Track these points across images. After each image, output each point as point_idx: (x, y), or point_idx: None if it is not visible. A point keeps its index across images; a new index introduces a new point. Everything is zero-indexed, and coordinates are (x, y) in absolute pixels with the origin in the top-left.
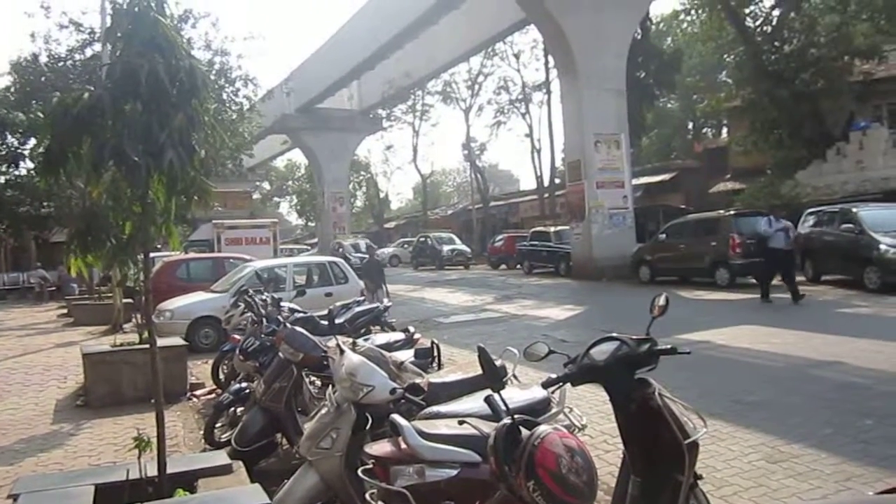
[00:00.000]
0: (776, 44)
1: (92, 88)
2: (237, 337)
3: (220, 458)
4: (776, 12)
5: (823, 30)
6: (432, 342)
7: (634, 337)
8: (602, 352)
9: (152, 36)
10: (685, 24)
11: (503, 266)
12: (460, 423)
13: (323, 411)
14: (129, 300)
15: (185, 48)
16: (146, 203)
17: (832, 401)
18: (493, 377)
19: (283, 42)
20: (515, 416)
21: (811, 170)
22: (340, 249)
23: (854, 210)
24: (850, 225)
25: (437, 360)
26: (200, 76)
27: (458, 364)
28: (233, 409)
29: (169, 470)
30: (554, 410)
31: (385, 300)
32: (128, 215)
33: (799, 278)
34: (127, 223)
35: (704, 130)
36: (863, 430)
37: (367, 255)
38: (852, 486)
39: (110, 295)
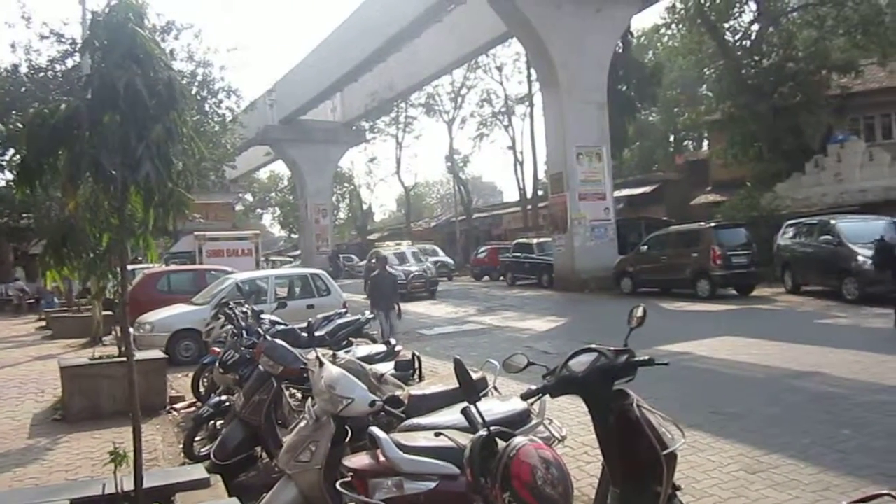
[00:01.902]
0: (755, 58)
1: (69, 100)
2: (217, 349)
3: (198, 472)
4: (755, 27)
5: (801, 45)
6: (413, 354)
7: (613, 348)
8: (581, 363)
9: (130, 48)
10: (666, 38)
11: (486, 278)
12: (437, 435)
13: (302, 424)
14: (109, 312)
15: (163, 60)
16: (123, 215)
17: (811, 411)
18: (468, 389)
19: (267, 54)
20: (491, 428)
21: (790, 182)
22: (374, 261)
23: (832, 222)
24: (829, 237)
25: (418, 371)
26: (179, 88)
27: (440, 376)
28: (212, 422)
29: (146, 484)
30: (534, 422)
31: (397, 323)
32: (105, 227)
33: (777, 289)
34: (104, 235)
35: (685, 143)
36: (840, 440)
37: (376, 268)
38: (830, 495)
39: (90, 307)
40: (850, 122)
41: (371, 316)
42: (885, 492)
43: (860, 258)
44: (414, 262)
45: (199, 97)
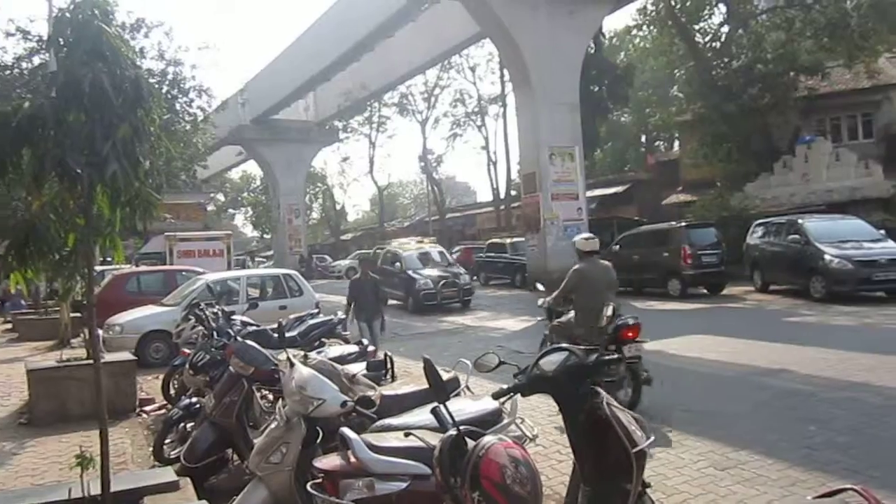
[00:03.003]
0: (725, 59)
1: (33, 98)
2: (188, 351)
3: (167, 474)
4: (725, 29)
5: (770, 47)
6: (385, 354)
7: (583, 347)
8: (551, 362)
9: (96, 45)
10: (637, 40)
11: None
12: (406, 435)
13: (273, 426)
14: (77, 314)
15: (130, 58)
16: (90, 215)
17: (778, 408)
18: (438, 389)
19: (239, 53)
20: (461, 428)
21: (759, 182)
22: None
23: (800, 221)
24: (797, 236)
25: (390, 372)
26: (146, 86)
27: (413, 376)
28: (183, 424)
29: (113, 488)
30: (505, 421)
31: (379, 335)
32: (71, 227)
33: (747, 288)
34: (70, 235)
35: (657, 143)
36: (807, 436)
37: (359, 272)
38: (797, 490)
39: (57, 309)
40: (817, 123)
41: (343, 317)
42: (848, 486)
43: (827, 257)
44: (442, 264)
45: (169, 96)
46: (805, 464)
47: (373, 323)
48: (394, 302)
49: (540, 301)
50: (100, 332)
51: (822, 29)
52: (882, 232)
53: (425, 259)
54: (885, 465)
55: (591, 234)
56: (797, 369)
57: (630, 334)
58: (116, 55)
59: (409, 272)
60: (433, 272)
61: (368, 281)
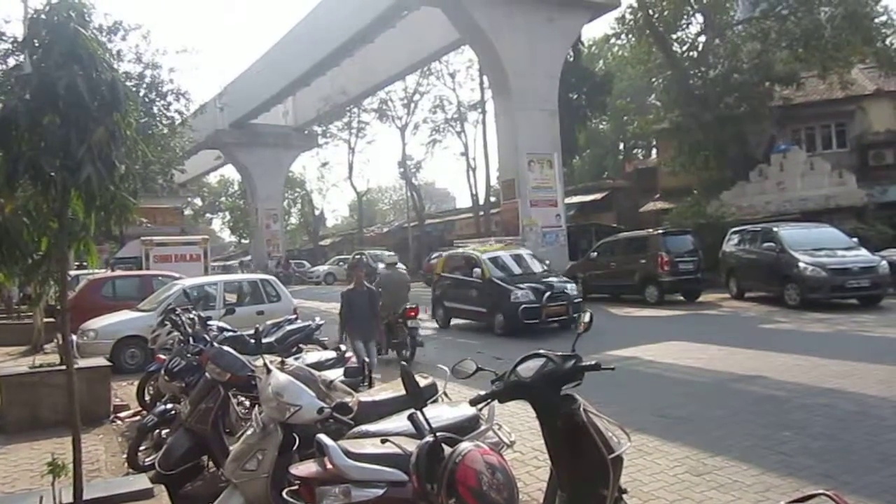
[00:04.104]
0: (702, 69)
1: (5, 100)
2: (163, 357)
3: (141, 482)
4: (702, 39)
5: (746, 56)
6: (363, 360)
7: (560, 353)
8: (528, 368)
9: (72, 47)
10: (616, 48)
11: None
12: (383, 442)
13: (249, 432)
14: (51, 320)
15: (106, 60)
16: (64, 219)
17: (754, 414)
18: (415, 395)
19: (217, 57)
20: (437, 434)
21: (735, 190)
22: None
23: (775, 229)
24: (772, 243)
25: (368, 378)
26: (123, 89)
27: (391, 382)
28: (158, 431)
29: (86, 496)
30: (482, 428)
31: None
32: (44, 231)
33: (723, 295)
34: (43, 239)
35: (635, 151)
36: (782, 441)
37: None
38: (771, 496)
39: (30, 314)
40: (792, 132)
41: (321, 322)
42: (821, 491)
43: (801, 265)
44: (537, 271)
45: (146, 99)
46: (779, 469)
47: (370, 343)
48: (461, 322)
49: None
50: (73, 337)
51: (797, 40)
52: (855, 240)
53: (516, 264)
54: (857, 471)
55: (392, 253)
56: (772, 375)
57: (412, 313)
58: (92, 57)
59: (498, 281)
60: (530, 281)
61: (364, 292)
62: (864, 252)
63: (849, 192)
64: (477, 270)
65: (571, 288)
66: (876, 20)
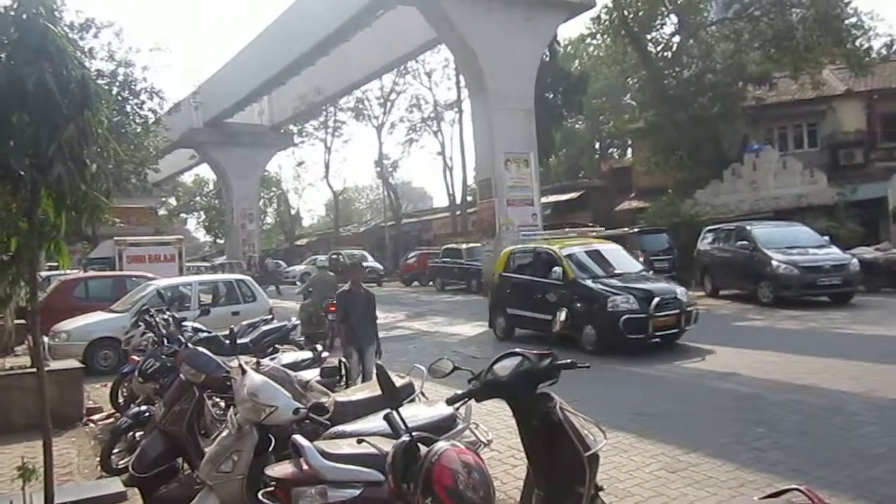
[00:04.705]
0: (676, 69)
1: None
2: (137, 358)
3: (115, 485)
4: (676, 39)
5: (719, 57)
6: (340, 360)
7: (536, 352)
8: (505, 367)
9: (41, 44)
10: (591, 48)
11: (416, 283)
12: (359, 442)
13: (224, 434)
14: (22, 321)
15: (77, 58)
16: (34, 219)
17: (728, 411)
18: (391, 395)
19: (192, 56)
20: (414, 434)
21: (709, 189)
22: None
23: (748, 228)
24: (745, 242)
25: (344, 378)
26: (94, 87)
27: (367, 382)
28: (131, 433)
29: (57, 500)
30: (459, 427)
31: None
32: (13, 231)
33: (698, 293)
34: (13, 240)
35: (610, 150)
36: (756, 437)
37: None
38: (745, 491)
39: (1, 316)
40: (764, 132)
41: (296, 322)
42: (794, 487)
43: (774, 263)
44: (631, 270)
45: (119, 97)
46: (753, 465)
47: (366, 350)
48: (525, 332)
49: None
50: (45, 339)
51: (770, 41)
52: (826, 238)
53: (605, 261)
54: (829, 466)
55: (325, 258)
56: (746, 373)
57: (332, 308)
58: (63, 55)
59: (586, 283)
60: (630, 284)
61: (361, 294)
62: (835, 250)
63: (820, 190)
64: (556, 270)
65: (682, 292)
66: (846, 22)
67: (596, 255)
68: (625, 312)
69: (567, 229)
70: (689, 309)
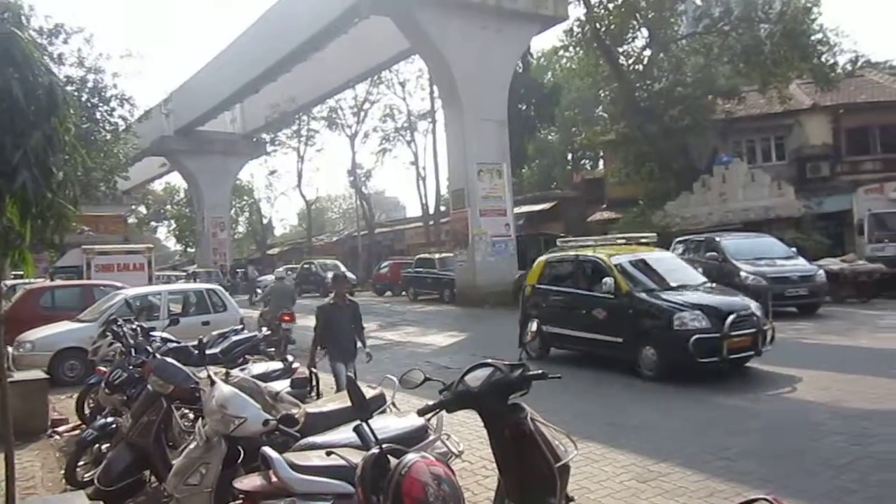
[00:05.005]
0: (647, 82)
1: None
2: (104, 369)
3: (80, 499)
4: (647, 52)
5: (689, 70)
6: (311, 371)
7: (507, 363)
8: (476, 378)
9: (7, 49)
10: (564, 60)
11: (388, 293)
12: (328, 454)
13: (192, 446)
14: None
15: (44, 63)
16: None
17: (698, 420)
18: (360, 407)
19: (164, 62)
20: (384, 445)
21: (679, 201)
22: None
23: (717, 239)
24: (714, 253)
25: (315, 389)
26: (61, 94)
27: (339, 393)
28: (97, 445)
29: None
30: (431, 438)
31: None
32: None
33: None
34: None
35: (583, 162)
36: (725, 447)
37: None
38: (715, 501)
39: None
40: (733, 144)
41: (267, 332)
42: (761, 496)
43: (743, 273)
44: (700, 281)
45: (89, 104)
46: (723, 474)
47: (350, 362)
48: (562, 352)
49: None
50: (9, 349)
51: (739, 55)
52: (793, 250)
53: (662, 272)
54: (796, 475)
55: (281, 269)
56: (716, 382)
57: (286, 318)
58: (29, 60)
59: (645, 297)
60: (699, 297)
61: (347, 307)
62: (802, 261)
63: (787, 203)
64: (607, 282)
65: (757, 307)
66: (812, 38)
67: (651, 265)
68: (694, 332)
69: (616, 234)
70: (765, 327)
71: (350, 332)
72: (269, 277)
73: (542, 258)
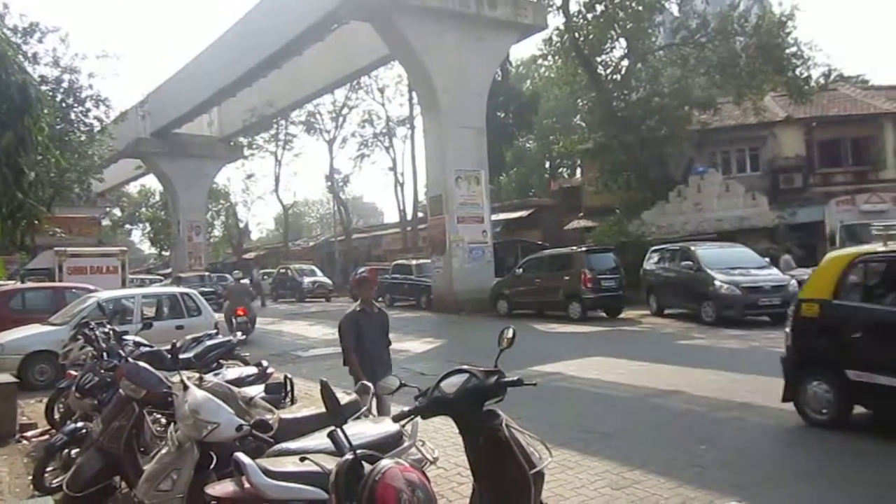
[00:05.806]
0: (624, 92)
1: None
2: (75, 373)
3: None
4: (625, 62)
5: (666, 81)
6: (285, 376)
7: (483, 369)
8: (451, 384)
9: None
10: (543, 69)
11: None
12: (302, 460)
13: (164, 451)
14: None
15: (17, 62)
16: None
17: (672, 428)
18: (335, 413)
19: (140, 64)
20: (358, 452)
21: (655, 210)
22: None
23: (692, 248)
24: (689, 262)
25: (290, 394)
26: (35, 93)
27: (314, 399)
28: (67, 450)
29: None
30: (405, 444)
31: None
32: None
33: (643, 312)
34: None
35: (560, 170)
36: (698, 454)
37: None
38: None
39: None
40: (708, 155)
41: (242, 337)
42: (733, 502)
43: (717, 283)
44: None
45: (63, 104)
46: (696, 481)
47: (380, 377)
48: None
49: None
50: None
51: (714, 67)
52: (767, 260)
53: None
54: (767, 481)
55: (238, 270)
56: (689, 390)
57: (241, 312)
58: (2, 58)
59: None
60: None
61: (376, 315)
62: (774, 271)
63: (761, 213)
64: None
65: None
66: (787, 51)
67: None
68: None
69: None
70: None
71: (380, 342)
72: (244, 282)
73: (840, 254)
